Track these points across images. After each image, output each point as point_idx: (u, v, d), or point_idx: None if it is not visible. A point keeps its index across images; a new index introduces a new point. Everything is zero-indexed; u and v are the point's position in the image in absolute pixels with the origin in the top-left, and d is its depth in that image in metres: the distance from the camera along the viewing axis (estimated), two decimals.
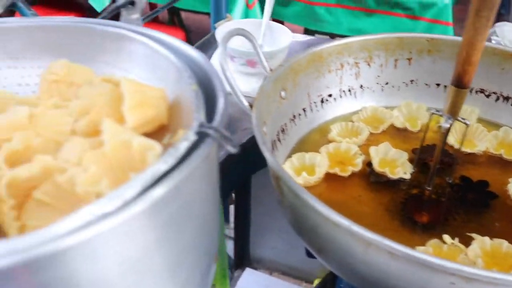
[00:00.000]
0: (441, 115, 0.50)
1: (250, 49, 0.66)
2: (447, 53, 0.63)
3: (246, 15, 1.43)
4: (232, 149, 0.33)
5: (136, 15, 0.46)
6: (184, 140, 0.31)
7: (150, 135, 0.37)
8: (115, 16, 0.49)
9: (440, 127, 0.52)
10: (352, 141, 0.61)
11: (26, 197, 0.34)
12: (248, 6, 1.42)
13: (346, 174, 0.58)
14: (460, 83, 0.46)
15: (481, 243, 0.49)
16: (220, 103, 0.36)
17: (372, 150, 0.59)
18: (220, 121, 0.34)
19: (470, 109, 0.64)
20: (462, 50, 0.43)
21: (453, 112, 0.49)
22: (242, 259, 1.08)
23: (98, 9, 1.71)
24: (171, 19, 2.28)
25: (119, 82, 0.40)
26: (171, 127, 0.40)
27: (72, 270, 0.27)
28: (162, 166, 0.30)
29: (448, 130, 0.50)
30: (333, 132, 0.62)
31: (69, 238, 0.26)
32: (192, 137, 0.32)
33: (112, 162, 0.33)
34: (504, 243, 0.49)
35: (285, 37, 0.77)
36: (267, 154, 0.46)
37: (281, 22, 1.44)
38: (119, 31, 0.44)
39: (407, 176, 0.57)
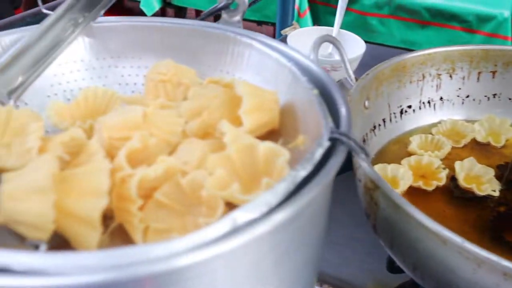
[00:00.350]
0: None
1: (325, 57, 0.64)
2: None
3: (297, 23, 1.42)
4: (365, 158, 0.32)
5: (237, 17, 0.45)
6: (318, 147, 0.30)
7: (260, 138, 0.36)
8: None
9: None
10: (434, 154, 0.59)
11: (147, 198, 0.33)
12: (299, 14, 1.41)
13: (430, 188, 0.56)
14: None
15: None
16: (343, 110, 0.34)
17: (457, 165, 0.57)
18: (348, 129, 0.33)
19: None
20: None
21: None
22: None
23: (148, 14, 1.72)
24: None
25: (231, 84, 0.39)
26: (281, 131, 0.39)
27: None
28: (302, 173, 0.28)
29: None
30: (413, 144, 0.60)
31: (208, 249, 0.24)
32: (326, 143, 0.30)
33: (236, 166, 0.32)
34: None
35: (358, 46, 0.75)
36: (363, 163, 0.45)
37: None
38: (224, 33, 0.43)
39: (496, 194, 0.55)
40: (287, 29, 0.80)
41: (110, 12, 0.46)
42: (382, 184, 0.43)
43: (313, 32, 0.74)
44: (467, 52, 0.62)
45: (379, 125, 0.61)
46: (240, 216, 0.26)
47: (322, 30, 0.81)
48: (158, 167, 0.31)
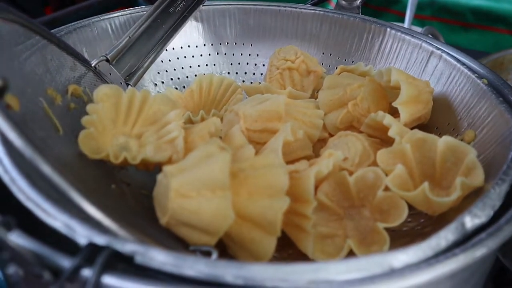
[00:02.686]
0: None
1: None
2: None
3: None
4: None
5: (356, 3, 0.40)
6: None
7: None
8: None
9: None
10: None
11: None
12: None
13: None
14: None
15: None
16: None
17: None
18: None
19: None
20: None
21: None
22: None
23: None
24: None
25: (368, 73, 0.34)
26: (429, 125, 0.34)
27: None
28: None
29: None
30: None
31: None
32: None
33: (412, 163, 0.27)
34: None
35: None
36: None
37: None
38: (352, 19, 0.38)
39: None
40: None
41: None
42: None
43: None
44: None
45: None
46: (469, 221, 0.21)
47: (429, 28, 0.75)
48: (329, 163, 0.26)
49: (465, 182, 0.24)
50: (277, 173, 0.24)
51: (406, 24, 0.72)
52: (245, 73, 0.40)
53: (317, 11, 0.39)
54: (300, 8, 0.39)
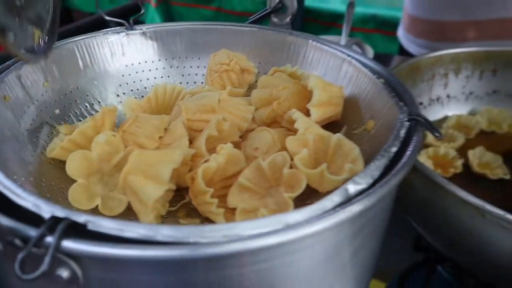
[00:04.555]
0: None
1: None
2: None
3: None
4: (439, 136, 0.31)
5: (287, 20, 0.44)
6: (401, 126, 0.29)
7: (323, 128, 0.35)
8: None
9: None
10: (449, 146, 0.59)
11: (222, 183, 0.31)
12: None
13: (448, 175, 0.56)
14: None
15: None
16: (409, 97, 0.34)
17: (470, 153, 0.57)
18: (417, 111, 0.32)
19: None
20: None
21: None
22: None
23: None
24: None
25: (296, 74, 0.38)
26: (343, 120, 0.38)
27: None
28: (393, 149, 0.28)
29: None
30: (429, 137, 0.60)
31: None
32: (406, 123, 0.30)
33: (311, 151, 0.31)
34: None
35: (367, 51, 0.75)
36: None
37: None
38: (278, 33, 0.42)
39: (508, 177, 0.55)
40: None
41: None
42: (421, 166, 0.42)
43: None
44: (470, 53, 0.62)
45: None
46: (351, 187, 0.25)
47: (333, 38, 0.80)
48: (219, 157, 0.30)
49: (351, 168, 0.28)
50: (166, 166, 0.27)
51: (343, 36, 0.76)
52: (195, 82, 0.44)
53: (254, 28, 0.43)
54: (239, 26, 0.43)
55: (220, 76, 0.39)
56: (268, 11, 0.44)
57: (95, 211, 0.29)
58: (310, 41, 0.41)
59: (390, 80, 0.35)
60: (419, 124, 0.30)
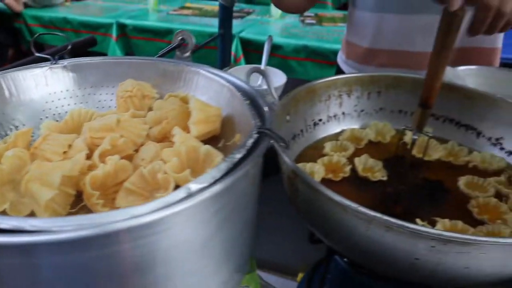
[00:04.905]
0: (411, 130, 0.59)
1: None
2: (407, 87, 0.73)
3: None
4: (283, 145, 0.40)
5: (187, 54, 0.53)
6: (249, 138, 0.38)
7: (205, 141, 0.43)
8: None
9: (408, 139, 0.60)
10: (341, 154, 0.68)
11: (115, 188, 0.39)
12: (236, 60, 1.52)
13: (337, 179, 0.65)
14: (425, 105, 0.55)
15: (443, 224, 0.56)
16: (267, 114, 0.42)
17: (356, 160, 0.67)
18: (270, 125, 0.41)
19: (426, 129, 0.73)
20: (428, 79, 0.52)
21: (420, 127, 0.58)
22: None
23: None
24: None
25: (188, 99, 0.46)
26: (222, 135, 0.46)
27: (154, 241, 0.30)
28: (238, 155, 0.36)
29: (415, 141, 0.59)
30: (327, 148, 0.69)
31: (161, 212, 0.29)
32: (255, 135, 0.38)
33: (183, 159, 0.39)
34: (459, 223, 0.56)
35: (280, 78, 0.85)
36: (286, 159, 0.53)
37: None
38: (178, 64, 0.50)
39: (385, 178, 0.65)
40: (226, 68, 0.88)
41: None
42: (300, 172, 0.51)
43: (246, 68, 0.83)
44: (358, 78, 0.73)
45: (298, 134, 0.70)
46: (193, 186, 0.32)
47: (253, 67, 0.90)
48: (106, 166, 0.37)
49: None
50: (57, 175, 0.34)
51: (263, 64, 0.86)
52: (109, 106, 0.51)
53: (157, 61, 0.51)
54: (144, 60, 0.51)
55: (125, 101, 0.47)
56: (173, 46, 0.52)
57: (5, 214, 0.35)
58: (201, 70, 0.49)
59: (257, 101, 0.44)
60: (266, 135, 0.39)
